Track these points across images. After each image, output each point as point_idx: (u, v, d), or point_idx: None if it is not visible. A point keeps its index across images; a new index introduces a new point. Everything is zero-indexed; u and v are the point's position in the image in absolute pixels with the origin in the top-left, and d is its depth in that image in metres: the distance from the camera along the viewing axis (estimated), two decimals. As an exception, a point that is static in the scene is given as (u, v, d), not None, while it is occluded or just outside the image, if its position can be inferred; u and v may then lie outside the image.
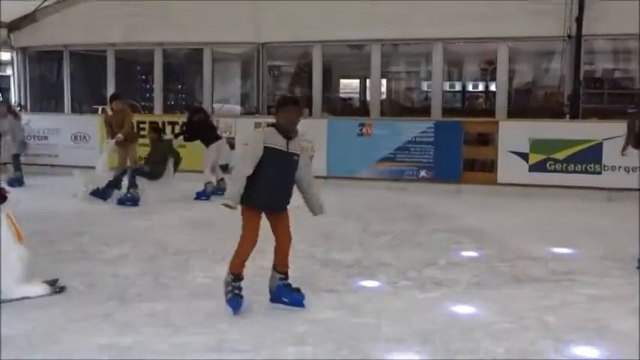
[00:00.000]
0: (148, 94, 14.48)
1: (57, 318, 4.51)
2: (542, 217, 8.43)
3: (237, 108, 14.30)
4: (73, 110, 14.25)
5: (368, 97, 13.45)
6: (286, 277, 4.72)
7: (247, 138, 4.26)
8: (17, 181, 10.77)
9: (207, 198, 9.58)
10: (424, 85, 14.17)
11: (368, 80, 13.20)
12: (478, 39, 11.73)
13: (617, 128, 8.76)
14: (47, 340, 4.13)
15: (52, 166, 12.67)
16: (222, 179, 9.84)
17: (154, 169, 9.26)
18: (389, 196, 9.98)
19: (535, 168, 10.20)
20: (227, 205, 4.43)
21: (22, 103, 14.44)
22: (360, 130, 11.04)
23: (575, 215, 8.46)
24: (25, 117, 12.33)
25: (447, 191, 10.27)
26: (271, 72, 13.91)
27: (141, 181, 9.12)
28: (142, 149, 10.42)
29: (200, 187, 9.68)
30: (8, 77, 14.67)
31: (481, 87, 14.26)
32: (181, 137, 10.02)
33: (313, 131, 10.76)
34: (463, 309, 4.78)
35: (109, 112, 10.26)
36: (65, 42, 13.85)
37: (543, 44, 11.80)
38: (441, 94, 12.02)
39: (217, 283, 4.91)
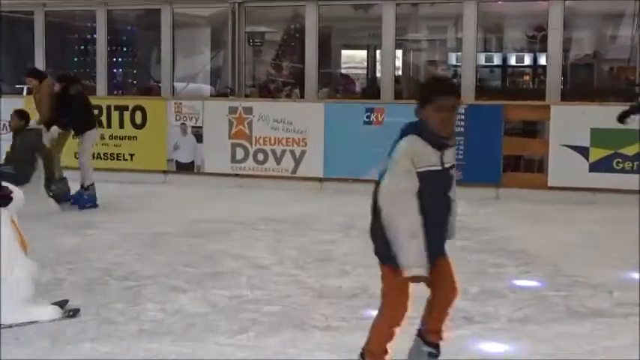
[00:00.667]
0: (87, 69, 14.51)
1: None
2: (606, 231, 8.45)
3: (206, 88, 14.34)
4: (-11, 90, 14.31)
5: (378, 74, 13.52)
6: (438, 354, 4.26)
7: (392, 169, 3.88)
8: None
9: (95, 205, 9.61)
10: (452, 58, 14.24)
11: (378, 51, 13.27)
12: (524, -4, 11.85)
13: None
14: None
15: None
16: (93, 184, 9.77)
17: (18, 169, 8.83)
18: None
19: (598, 167, 10.25)
20: (416, 278, 3.98)
21: None
22: (368, 117, 11.06)
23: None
24: None
25: (482, 197, 10.29)
26: (251, 41, 13.93)
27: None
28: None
29: (76, 189, 9.67)
30: None
31: (527, 60, 14.33)
32: (55, 126, 9.60)
33: (306, 119, 10.72)
34: (501, 350, 4.80)
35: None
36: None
37: (609, 4, 11.86)
38: (474, 70, 12.04)
39: (174, 317, 4.89)
